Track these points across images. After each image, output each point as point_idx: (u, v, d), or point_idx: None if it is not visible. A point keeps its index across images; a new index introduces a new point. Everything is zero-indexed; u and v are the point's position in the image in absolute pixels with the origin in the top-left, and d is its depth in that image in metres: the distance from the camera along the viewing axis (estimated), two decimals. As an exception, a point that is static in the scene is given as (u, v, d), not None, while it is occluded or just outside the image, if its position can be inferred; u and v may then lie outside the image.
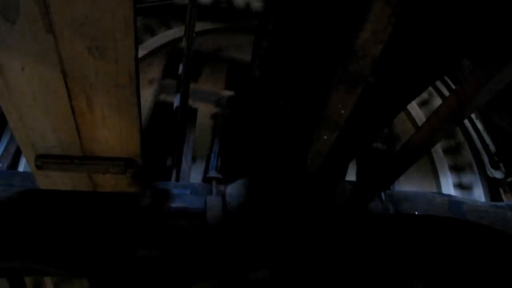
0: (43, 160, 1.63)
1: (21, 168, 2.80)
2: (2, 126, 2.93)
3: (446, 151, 3.48)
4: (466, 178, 3.42)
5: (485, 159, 3.63)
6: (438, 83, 3.68)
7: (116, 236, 1.75)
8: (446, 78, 3.71)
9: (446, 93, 3.67)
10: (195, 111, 2.63)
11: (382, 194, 1.97)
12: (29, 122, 1.51)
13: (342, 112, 1.16)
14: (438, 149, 3.45)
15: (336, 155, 1.37)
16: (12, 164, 2.82)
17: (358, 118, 1.23)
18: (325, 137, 1.27)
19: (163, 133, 2.39)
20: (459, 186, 3.35)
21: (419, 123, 3.50)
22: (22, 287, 2.50)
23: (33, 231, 1.83)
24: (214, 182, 1.92)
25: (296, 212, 1.51)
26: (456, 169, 3.43)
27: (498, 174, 3.58)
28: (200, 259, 1.56)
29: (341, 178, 1.74)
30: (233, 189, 1.79)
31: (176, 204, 1.82)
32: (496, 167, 3.62)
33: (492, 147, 3.72)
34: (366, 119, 1.30)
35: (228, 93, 3.16)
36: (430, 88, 3.66)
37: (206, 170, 2.50)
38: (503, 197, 3.47)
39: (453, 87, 3.70)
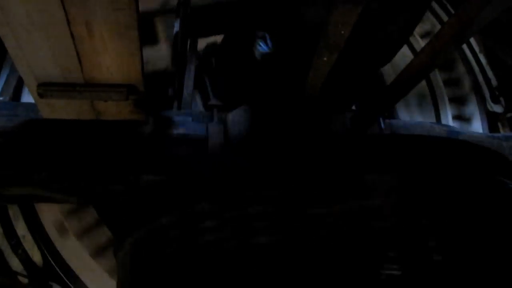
0: (45, 88, 1.64)
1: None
2: (1, 59, 2.90)
3: (447, 83, 3.47)
4: (466, 111, 3.43)
5: (486, 93, 3.61)
6: (442, 14, 3.59)
7: (120, 163, 1.80)
8: (450, 8, 3.62)
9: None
10: (195, 40, 2.59)
11: (382, 123, 2.00)
12: (28, 49, 1.50)
13: (342, 32, 1.15)
14: (439, 82, 3.44)
15: (336, 78, 1.38)
16: (14, 98, 2.82)
17: (358, 40, 1.23)
18: (324, 58, 1.27)
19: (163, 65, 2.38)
20: (458, 118, 3.37)
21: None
22: (33, 214, 2.62)
23: (38, 159, 1.87)
24: (215, 110, 1.95)
25: (296, 139, 1.54)
26: (456, 101, 3.43)
27: (497, 108, 3.59)
28: (202, 184, 1.61)
29: (344, 108, 1.77)
30: (234, 116, 1.81)
31: (178, 130, 1.86)
32: (496, 101, 3.62)
33: (494, 82, 3.69)
34: (367, 42, 1.30)
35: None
36: (434, 19, 3.58)
37: (207, 99, 2.52)
38: (501, 131, 3.50)
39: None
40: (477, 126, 3.40)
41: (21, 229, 2.67)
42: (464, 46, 3.60)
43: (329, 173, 1.32)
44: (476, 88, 3.57)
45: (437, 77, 3.42)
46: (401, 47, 1.55)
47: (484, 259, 1.39)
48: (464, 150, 1.57)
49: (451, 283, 1.34)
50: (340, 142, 1.42)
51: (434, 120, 3.32)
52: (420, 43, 3.50)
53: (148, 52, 3.15)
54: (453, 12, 3.62)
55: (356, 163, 1.33)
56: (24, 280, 2.56)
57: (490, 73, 3.69)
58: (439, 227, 1.36)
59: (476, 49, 3.70)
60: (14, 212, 2.67)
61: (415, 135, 1.50)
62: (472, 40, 3.66)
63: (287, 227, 1.31)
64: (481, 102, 3.54)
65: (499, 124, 3.55)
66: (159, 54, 3.09)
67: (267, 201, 1.34)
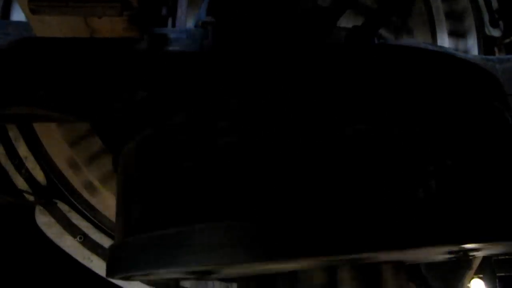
0: (37, 4, 1.61)
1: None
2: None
3: (445, 4, 3.39)
4: (463, 38, 3.39)
5: (485, 16, 3.53)
6: None
7: (115, 80, 1.81)
8: None
9: None
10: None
11: (375, 42, 2.00)
12: (17, -39, 1.47)
13: None
14: (437, 4, 3.36)
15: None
16: (3, 18, 2.76)
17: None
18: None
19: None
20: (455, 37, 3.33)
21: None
22: (32, 134, 2.67)
23: (34, 77, 1.88)
24: (210, 27, 1.94)
25: (289, 53, 1.55)
26: (453, 19, 3.37)
27: (495, 33, 3.52)
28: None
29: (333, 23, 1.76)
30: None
31: (173, 47, 1.86)
32: (495, 25, 3.54)
33: (495, 4, 3.60)
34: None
35: None
36: None
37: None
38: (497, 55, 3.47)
39: None
40: (473, 50, 3.37)
41: (22, 150, 2.74)
42: (466, -35, 3.48)
43: (321, 83, 1.35)
44: (476, 12, 3.49)
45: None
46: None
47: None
48: (458, 66, 1.57)
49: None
50: (335, 54, 1.43)
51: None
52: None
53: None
54: None
55: (350, 73, 1.36)
56: (30, 198, 2.67)
57: (492, -4, 3.59)
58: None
59: (479, -27, 3.57)
60: (14, 133, 2.72)
61: (411, 47, 1.49)
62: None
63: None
64: (480, 26, 3.47)
65: (495, 49, 3.51)
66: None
67: (262, 111, 1.38)
